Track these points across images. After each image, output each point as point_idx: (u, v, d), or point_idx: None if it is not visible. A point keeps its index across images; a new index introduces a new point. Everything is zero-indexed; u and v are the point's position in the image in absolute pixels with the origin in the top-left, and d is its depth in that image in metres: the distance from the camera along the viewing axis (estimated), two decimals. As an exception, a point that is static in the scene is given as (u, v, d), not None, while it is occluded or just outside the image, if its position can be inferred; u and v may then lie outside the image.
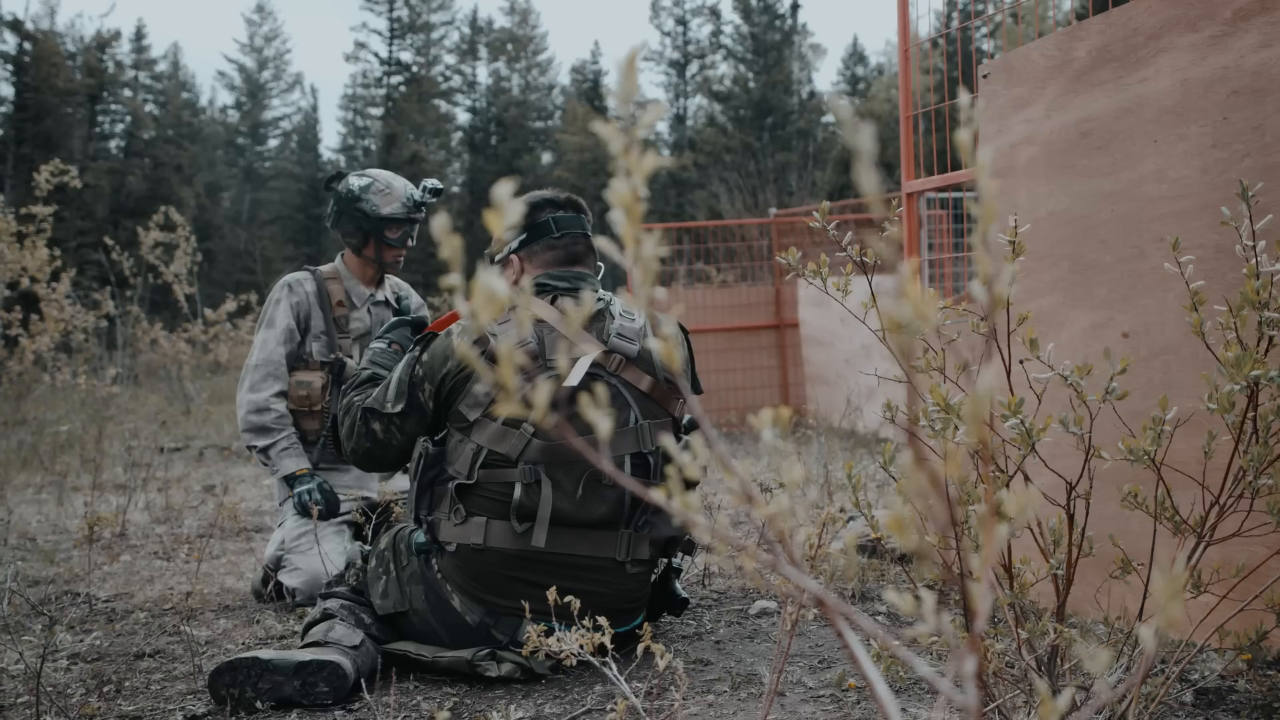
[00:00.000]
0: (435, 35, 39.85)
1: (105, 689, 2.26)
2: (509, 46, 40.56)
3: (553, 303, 2.35)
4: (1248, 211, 1.67)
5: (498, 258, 2.46)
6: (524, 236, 2.41)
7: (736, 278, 10.04)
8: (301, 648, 2.22)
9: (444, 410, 2.31)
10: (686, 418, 2.48)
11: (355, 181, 3.22)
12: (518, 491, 2.20)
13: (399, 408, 2.31)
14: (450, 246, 0.49)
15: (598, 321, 2.34)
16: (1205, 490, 1.71)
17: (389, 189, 3.22)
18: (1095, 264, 2.47)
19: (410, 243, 3.29)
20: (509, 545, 2.21)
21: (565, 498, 2.22)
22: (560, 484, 2.22)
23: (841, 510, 1.61)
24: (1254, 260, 1.60)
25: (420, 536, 2.29)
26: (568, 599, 1.91)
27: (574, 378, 2.16)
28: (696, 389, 2.67)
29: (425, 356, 2.31)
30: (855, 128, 0.43)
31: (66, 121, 29.60)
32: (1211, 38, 2.20)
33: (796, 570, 0.54)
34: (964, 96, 0.57)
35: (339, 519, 3.13)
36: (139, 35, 36.47)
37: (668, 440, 0.63)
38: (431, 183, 3.21)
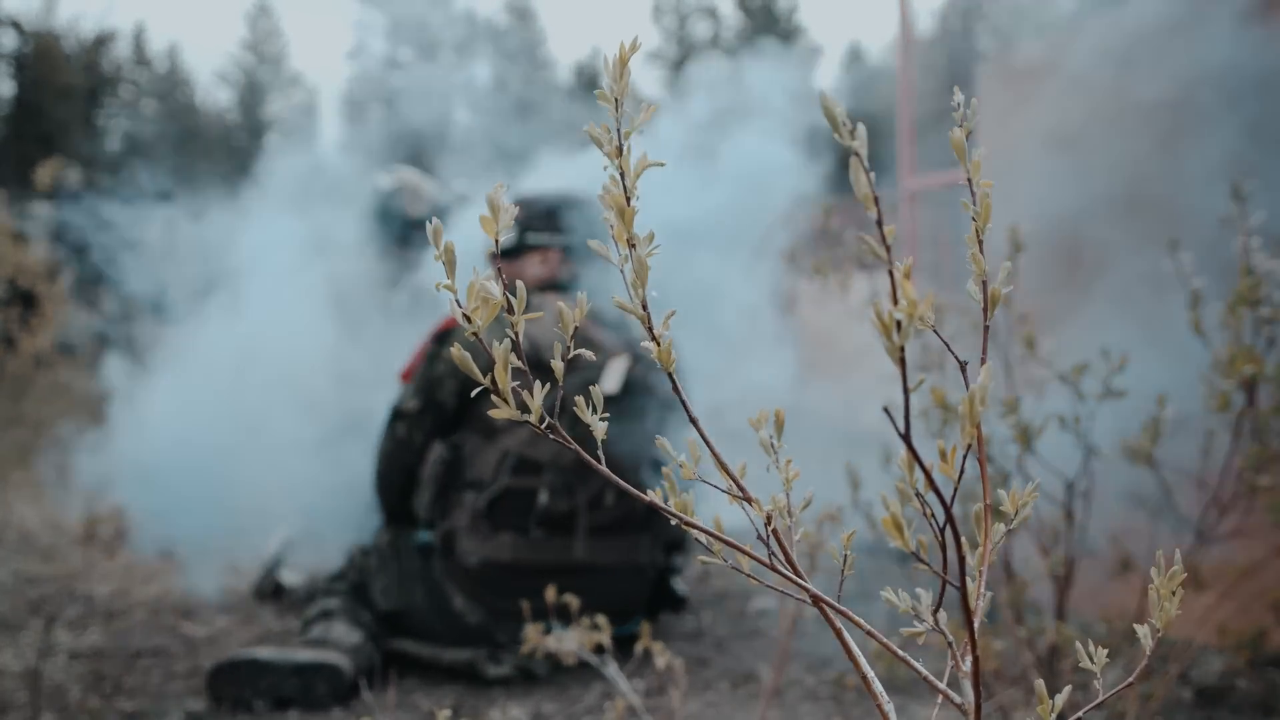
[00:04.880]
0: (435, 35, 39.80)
1: (104, 687, 2.26)
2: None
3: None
4: (1242, 211, 1.67)
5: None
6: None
7: (736, 277, 10.02)
8: (300, 646, 2.21)
9: (465, 410, 2.27)
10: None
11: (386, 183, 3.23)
12: (543, 497, 2.17)
13: (417, 405, 2.30)
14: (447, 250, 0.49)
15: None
16: (1204, 489, 1.71)
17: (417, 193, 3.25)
18: (1095, 264, 2.47)
19: None
20: (542, 557, 2.17)
21: (593, 503, 2.21)
22: (587, 490, 2.20)
23: (840, 510, 1.61)
24: (1246, 259, 1.60)
25: (423, 536, 2.28)
26: (566, 597, 1.90)
27: (611, 383, 2.13)
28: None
29: (445, 353, 2.28)
30: (845, 129, 0.43)
31: (66, 120, 29.55)
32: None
33: (793, 571, 0.54)
34: (961, 96, 0.57)
35: (338, 518, 3.13)
36: (138, 33, 36.45)
37: (665, 441, 0.63)
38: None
